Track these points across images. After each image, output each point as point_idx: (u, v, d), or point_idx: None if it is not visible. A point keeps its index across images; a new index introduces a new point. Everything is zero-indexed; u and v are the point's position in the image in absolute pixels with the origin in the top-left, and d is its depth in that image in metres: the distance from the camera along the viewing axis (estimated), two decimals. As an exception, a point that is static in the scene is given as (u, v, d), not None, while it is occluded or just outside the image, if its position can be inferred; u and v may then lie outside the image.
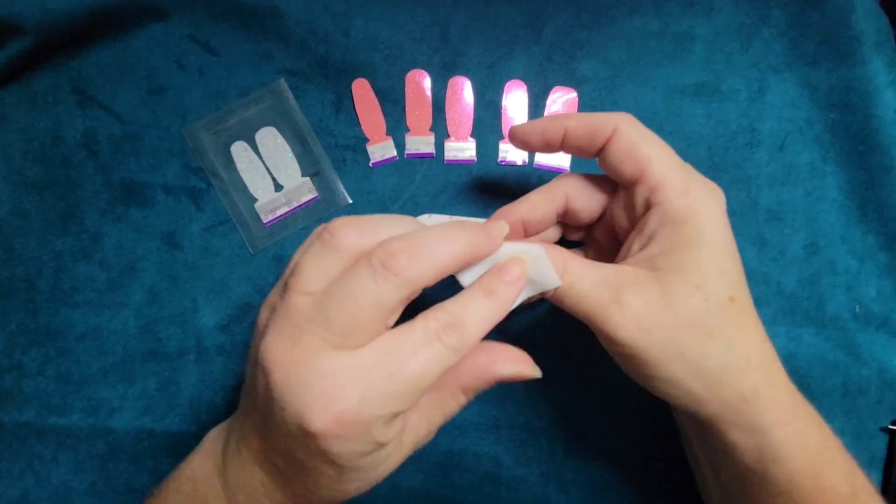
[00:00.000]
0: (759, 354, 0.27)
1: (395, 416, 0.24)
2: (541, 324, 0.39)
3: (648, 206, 0.28)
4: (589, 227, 0.34)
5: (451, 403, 0.28)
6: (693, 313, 0.26)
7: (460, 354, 0.25)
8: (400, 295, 0.24)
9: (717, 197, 0.28)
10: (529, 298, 0.29)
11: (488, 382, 0.28)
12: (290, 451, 0.25)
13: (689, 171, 0.28)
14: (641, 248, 0.28)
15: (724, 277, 0.27)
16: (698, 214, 0.27)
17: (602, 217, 0.33)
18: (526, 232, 0.32)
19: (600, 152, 0.29)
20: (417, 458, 0.39)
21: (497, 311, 0.26)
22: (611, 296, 0.27)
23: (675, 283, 0.26)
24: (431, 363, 0.24)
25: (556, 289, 0.28)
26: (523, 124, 0.31)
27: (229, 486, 0.27)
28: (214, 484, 0.28)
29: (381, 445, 0.25)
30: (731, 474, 0.28)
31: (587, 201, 0.32)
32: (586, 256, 0.34)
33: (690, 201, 0.27)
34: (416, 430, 0.28)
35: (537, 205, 0.31)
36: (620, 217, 0.31)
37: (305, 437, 0.23)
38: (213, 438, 0.30)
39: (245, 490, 0.27)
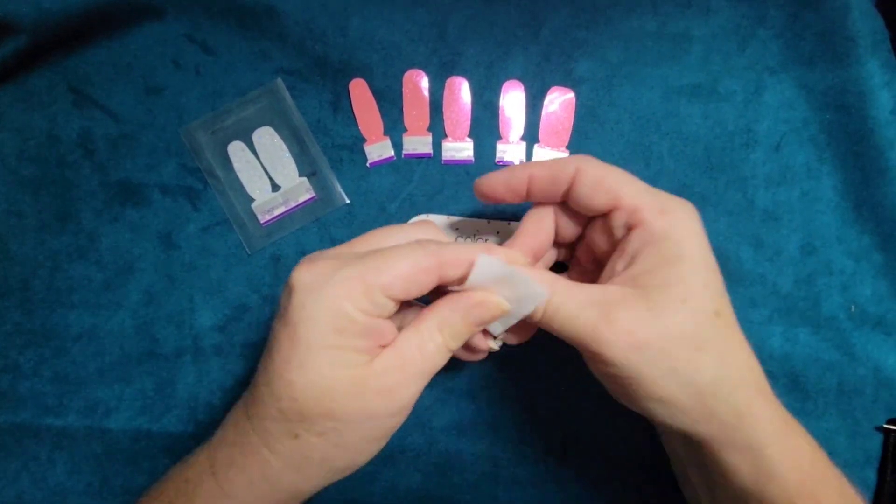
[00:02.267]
0: (749, 368, 0.28)
1: (367, 293, 0.25)
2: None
3: (628, 229, 0.29)
4: (572, 247, 0.35)
5: (424, 343, 0.27)
6: (681, 327, 0.26)
7: (436, 257, 0.27)
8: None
9: (693, 214, 0.29)
10: (525, 318, 0.29)
11: (462, 319, 0.28)
12: (272, 328, 0.27)
13: (660, 192, 0.29)
14: (625, 268, 0.29)
15: (708, 291, 0.27)
16: (678, 231, 0.27)
17: (582, 238, 0.33)
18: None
19: (567, 195, 0.30)
20: (416, 459, 0.39)
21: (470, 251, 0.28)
22: (599, 314, 0.27)
23: (662, 299, 0.27)
24: (410, 257, 0.26)
25: (544, 312, 0.28)
26: (486, 176, 0.32)
27: (220, 471, 0.27)
28: (204, 472, 0.28)
29: (345, 326, 0.25)
30: (728, 494, 0.28)
31: (566, 223, 0.32)
32: (570, 279, 0.34)
33: (669, 219, 0.28)
34: (386, 372, 0.27)
35: (535, 234, 0.32)
36: (600, 241, 0.31)
37: (285, 292, 0.26)
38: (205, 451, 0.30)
39: (238, 466, 0.27)
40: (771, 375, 0.39)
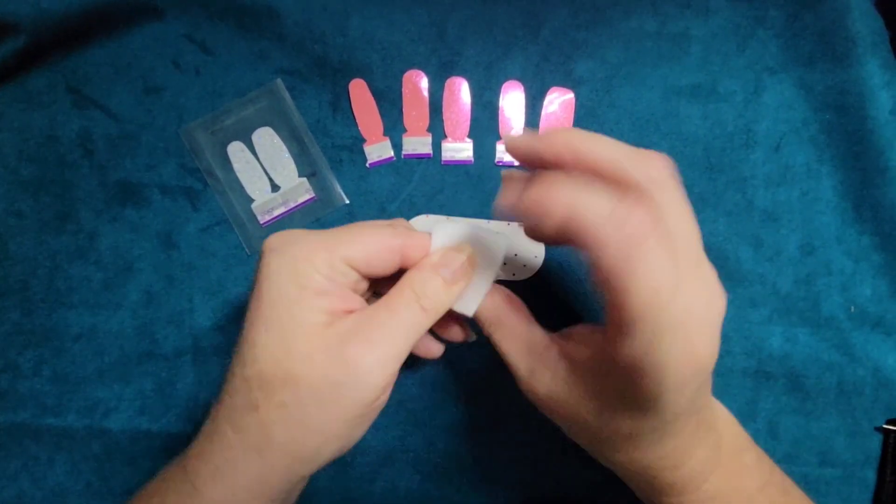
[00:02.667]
0: (676, 454, 0.27)
1: (334, 261, 0.26)
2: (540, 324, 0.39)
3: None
4: None
5: (399, 303, 0.27)
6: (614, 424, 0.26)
7: (399, 239, 0.28)
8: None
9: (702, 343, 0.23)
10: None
11: (433, 274, 0.28)
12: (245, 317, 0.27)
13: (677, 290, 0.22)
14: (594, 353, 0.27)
15: (682, 399, 0.24)
16: (666, 369, 0.22)
17: None
18: None
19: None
20: (416, 459, 0.39)
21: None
22: (526, 369, 0.28)
23: (603, 399, 0.26)
24: (377, 234, 0.28)
25: (492, 334, 0.30)
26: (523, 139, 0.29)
27: (188, 464, 0.27)
28: (177, 467, 0.27)
29: (316, 293, 0.26)
30: None
31: None
32: None
33: (660, 356, 0.22)
34: (359, 337, 0.26)
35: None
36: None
37: (259, 260, 0.27)
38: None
39: (213, 464, 0.26)
40: (771, 375, 0.40)
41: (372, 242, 0.27)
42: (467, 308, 0.29)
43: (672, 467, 0.27)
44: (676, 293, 0.22)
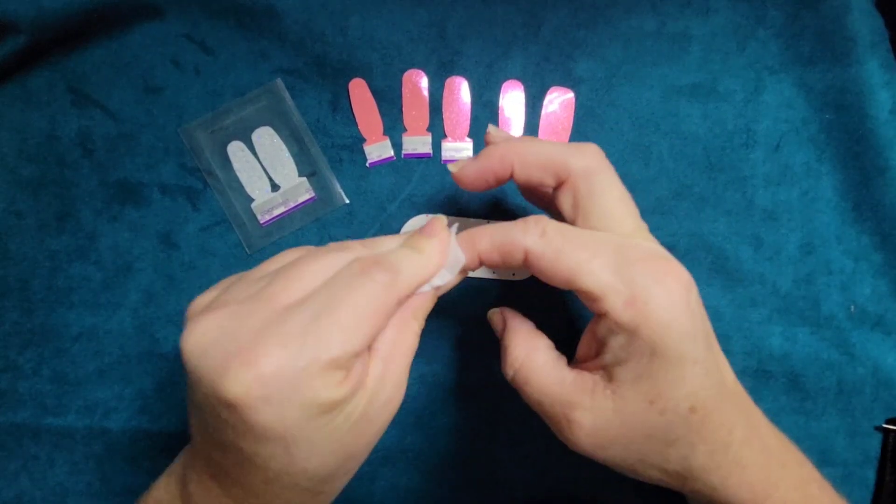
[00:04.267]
0: (724, 447, 0.26)
1: (335, 365, 0.22)
2: (539, 325, 0.39)
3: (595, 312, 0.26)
4: None
5: (407, 336, 0.27)
6: (649, 428, 0.25)
7: (395, 293, 0.24)
8: None
9: (673, 292, 0.24)
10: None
11: (428, 297, 0.28)
12: (222, 438, 0.22)
13: (634, 266, 0.24)
14: (596, 355, 0.27)
15: (683, 388, 0.24)
16: (649, 324, 0.24)
17: None
18: None
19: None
20: (416, 459, 0.39)
21: (427, 261, 0.26)
22: (562, 412, 0.26)
23: (630, 398, 0.25)
24: (362, 297, 0.23)
25: (514, 375, 0.29)
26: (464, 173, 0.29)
27: None
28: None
29: (326, 408, 0.22)
30: None
31: None
32: None
33: (637, 311, 0.24)
34: (383, 380, 0.25)
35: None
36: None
37: (228, 411, 0.21)
38: (180, 461, 0.28)
39: None
40: (770, 375, 0.40)
41: (373, 316, 0.23)
42: (442, 280, 0.29)
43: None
44: (626, 244, 0.25)
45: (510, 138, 0.30)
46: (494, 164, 0.29)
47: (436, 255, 0.27)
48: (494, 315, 0.32)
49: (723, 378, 0.26)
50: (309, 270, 0.24)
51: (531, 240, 0.26)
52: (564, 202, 0.28)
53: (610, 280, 0.24)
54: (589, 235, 0.26)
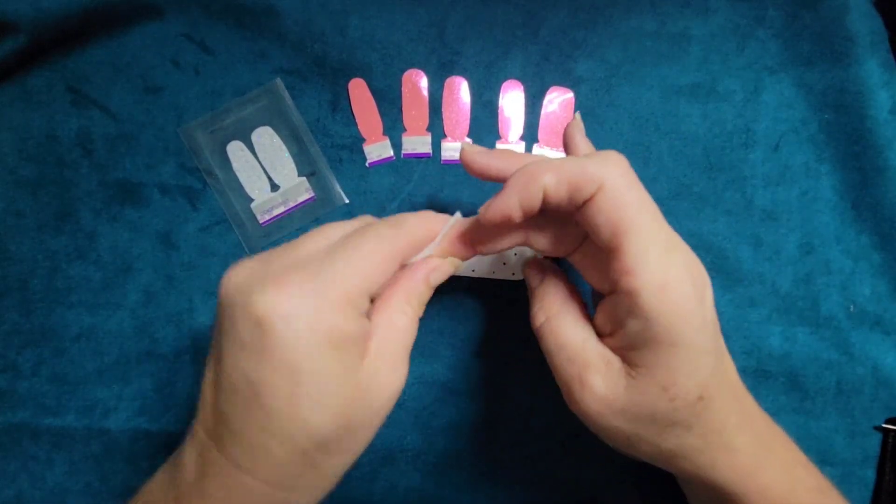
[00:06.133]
0: (719, 432, 0.27)
1: (347, 299, 0.24)
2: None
3: (615, 286, 0.26)
4: None
5: (401, 318, 0.28)
6: (657, 411, 0.26)
7: (397, 242, 0.27)
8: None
9: (698, 287, 0.25)
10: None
11: (425, 285, 0.29)
12: (237, 374, 0.24)
13: (672, 251, 0.25)
14: (612, 331, 0.27)
15: (695, 377, 0.25)
16: (672, 313, 0.24)
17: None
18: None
19: (580, 209, 0.26)
20: (416, 459, 0.39)
21: (425, 220, 0.29)
22: (578, 372, 0.27)
23: (643, 381, 0.25)
24: (369, 243, 0.26)
25: (542, 325, 0.29)
26: (483, 155, 0.29)
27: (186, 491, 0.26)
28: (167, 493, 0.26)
29: (337, 342, 0.24)
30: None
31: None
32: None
33: (665, 298, 0.24)
34: (380, 356, 0.26)
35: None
36: (591, 272, 0.29)
37: (252, 329, 0.23)
38: (170, 461, 0.28)
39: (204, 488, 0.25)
40: (770, 375, 0.40)
41: (379, 259, 0.26)
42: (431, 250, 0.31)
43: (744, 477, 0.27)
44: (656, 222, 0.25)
45: (510, 156, 0.29)
46: (523, 195, 0.26)
47: (434, 218, 0.29)
48: (532, 265, 0.32)
49: (725, 367, 0.27)
50: (331, 228, 0.28)
51: (612, 171, 0.25)
52: (595, 218, 0.26)
53: (654, 258, 0.24)
54: (642, 202, 0.26)
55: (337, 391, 0.24)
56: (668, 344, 0.25)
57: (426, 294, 0.29)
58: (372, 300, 0.28)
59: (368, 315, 0.27)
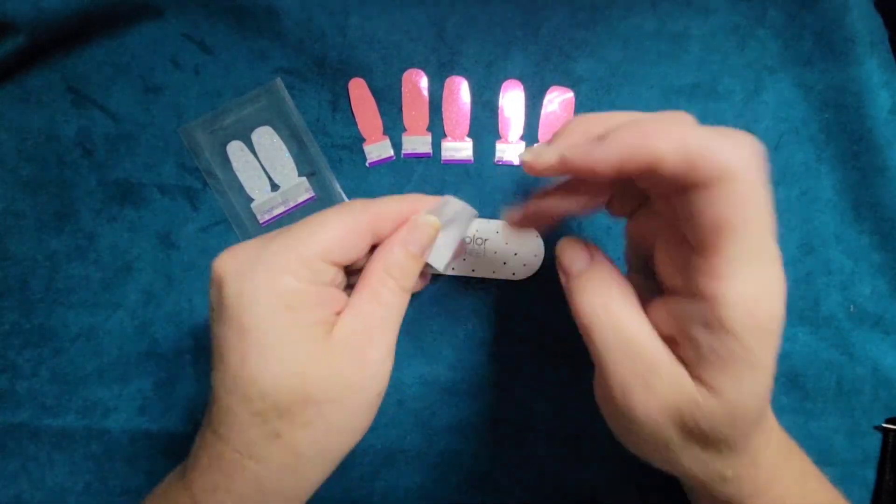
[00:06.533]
0: (745, 447, 0.25)
1: (301, 261, 0.24)
2: (540, 325, 0.39)
3: (690, 286, 0.22)
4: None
5: (382, 290, 0.27)
6: (717, 432, 0.23)
7: (365, 213, 0.27)
8: None
9: (784, 306, 0.22)
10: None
11: (403, 252, 0.28)
12: (213, 336, 0.25)
13: (773, 264, 0.22)
14: (670, 338, 0.24)
15: (760, 400, 0.23)
16: (759, 332, 0.21)
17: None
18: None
19: (681, 192, 0.22)
20: (416, 459, 0.39)
21: (403, 199, 0.29)
22: (643, 372, 0.23)
23: (710, 400, 0.22)
24: (335, 213, 0.26)
25: (600, 310, 0.24)
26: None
27: (204, 500, 0.26)
28: (178, 490, 0.27)
29: (288, 302, 0.24)
30: None
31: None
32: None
33: (756, 314, 0.21)
34: (355, 334, 0.26)
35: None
36: (643, 245, 0.27)
37: (214, 290, 0.25)
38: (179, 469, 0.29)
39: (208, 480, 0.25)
40: (770, 374, 0.39)
41: (340, 229, 0.26)
42: (439, 262, 0.30)
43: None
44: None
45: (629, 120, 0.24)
46: (626, 155, 0.22)
47: (417, 199, 0.29)
48: (571, 243, 0.27)
49: None
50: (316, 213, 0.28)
51: (749, 161, 0.20)
52: (704, 210, 0.21)
53: (754, 268, 0.21)
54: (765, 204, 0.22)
55: (290, 354, 0.24)
56: (748, 366, 0.21)
57: (408, 264, 0.27)
58: (352, 276, 0.28)
59: (344, 287, 0.27)
